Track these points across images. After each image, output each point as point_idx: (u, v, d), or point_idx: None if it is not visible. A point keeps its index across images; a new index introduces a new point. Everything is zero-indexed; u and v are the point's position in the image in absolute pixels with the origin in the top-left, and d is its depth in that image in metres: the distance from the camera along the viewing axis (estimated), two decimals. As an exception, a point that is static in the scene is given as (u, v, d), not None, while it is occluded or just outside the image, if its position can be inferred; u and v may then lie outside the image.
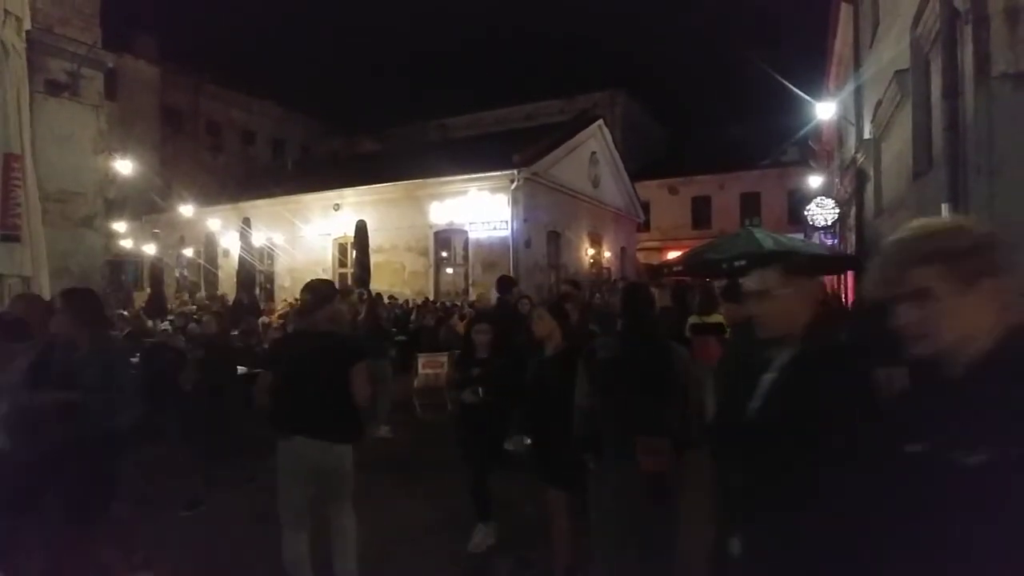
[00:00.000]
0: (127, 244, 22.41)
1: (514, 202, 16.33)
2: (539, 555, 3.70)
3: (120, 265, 21.75)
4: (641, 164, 27.98)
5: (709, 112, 52.09)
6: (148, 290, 18.37)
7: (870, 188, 11.27)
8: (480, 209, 16.74)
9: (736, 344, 3.17)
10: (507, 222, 16.42)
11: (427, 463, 6.01)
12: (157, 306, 14.43)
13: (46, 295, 4.86)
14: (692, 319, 6.69)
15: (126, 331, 8.14)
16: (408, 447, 6.76)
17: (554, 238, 18.62)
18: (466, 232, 17.22)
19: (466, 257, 17.46)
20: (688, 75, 73.65)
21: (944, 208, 5.64)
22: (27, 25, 5.22)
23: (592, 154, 20.85)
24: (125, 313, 12.66)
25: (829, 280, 15.92)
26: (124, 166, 15.08)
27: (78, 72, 9.82)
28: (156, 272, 19.75)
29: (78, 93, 9.89)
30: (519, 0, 77.59)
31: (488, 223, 16.72)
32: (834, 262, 12.20)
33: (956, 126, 5.64)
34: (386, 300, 13.02)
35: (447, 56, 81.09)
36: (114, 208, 17.61)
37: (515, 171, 15.92)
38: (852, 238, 14.28)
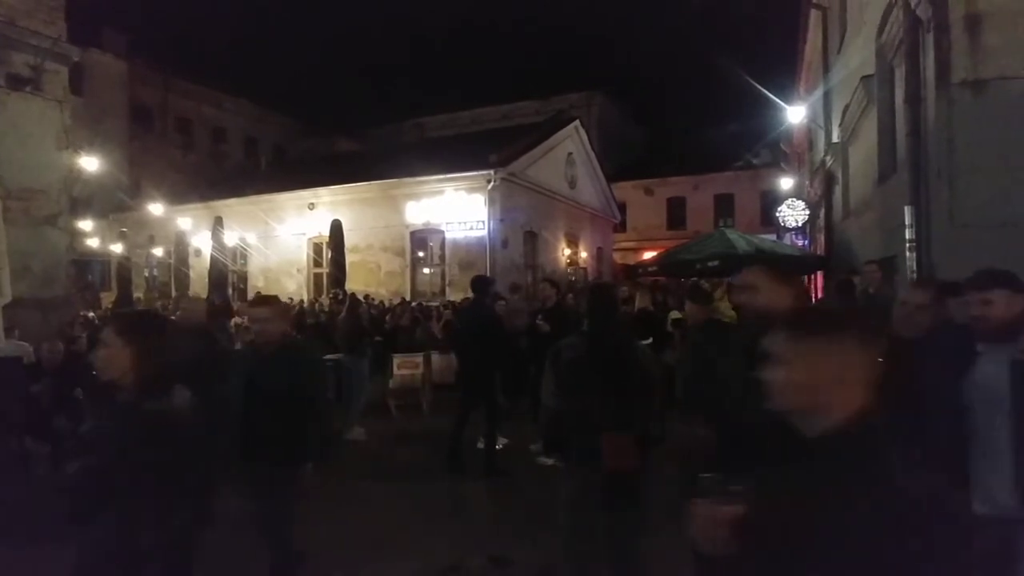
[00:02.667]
0: (93, 243, 21.83)
1: (491, 202, 16.33)
2: (514, 554, 3.72)
3: (86, 265, 21.19)
4: (617, 165, 28.21)
5: (684, 114, 52.85)
6: (115, 290, 17.93)
7: (838, 190, 11.54)
8: (457, 209, 16.70)
9: (697, 343, 3.23)
10: (484, 222, 16.41)
11: (402, 464, 5.98)
12: (125, 307, 14.10)
13: (7, 296, 4.73)
14: (673, 314, 6.90)
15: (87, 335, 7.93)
16: (383, 448, 6.72)
17: (531, 238, 18.66)
18: (443, 232, 17.17)
19: (443, 257, 17.40)
20: (664, 78, 74.46)
21: (907, 211, 5.81)
22: (-13, 17, 5.07)
23: (569, 155, 20.95)
24: (92, 315, 12.35)
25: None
26: (90, 163, 14.68)
27: (42, 66, 9.53)
28: (124, 272, 19.30)
29: (41, 88, 9.60)
30: (495, 1, 77.62)
31: (465, 223, 16.70)
32: (804, 262, 12.47)
33: (918, 131, 5.82)
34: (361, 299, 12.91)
35: (423, 55, 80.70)
36: (79, 206, 17.15)
37: (492, 171, 15.92)
38: (822, 239, 14.60)
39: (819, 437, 1.13)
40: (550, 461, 5.39)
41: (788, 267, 11.43)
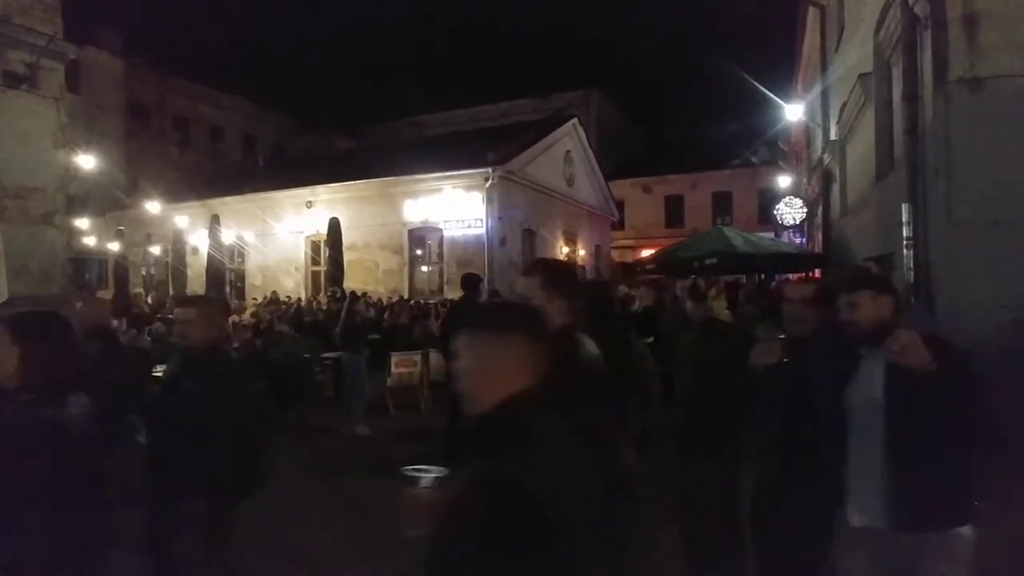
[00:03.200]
0: (90, 242, 21.79)
1: (489, 200, 16.32)
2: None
3: (83, 263, 21.15)
4: (615, 163, 28.22)
5: (682, 112, 52.85)
6: (113, 289, 17.89)
7: (836, 188, 11.56)
8: (455, 207, 16.69)
9: (696, 342, 3.22)
10: (482, 220, 16.40)
11: (401, 462, 5.97)
12: (122, 305, 14.06)
13: (3, 294, 4.72)
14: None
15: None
16: (382, 446, 6.72)
17: (529, 236, 18.66)
18: (441, 230, 17.16)
19: (441, 255, 17.39)
20: (662, 76, 74.49)
21: (904, 208, 5.82)
22: (-18, 15, 5.05)
23: (567, 153, 20.94)
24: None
25: (798, 277, 16.27)
26: (87, 161, 14.62)
27: (37, 64, 9.49)
28: (121, 270, 19.26)
29: (37, 85, 9.56)
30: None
31: (463, 221, 16.68)
32: (802, 260, 12.49)
33: (915, 129, 5.82)
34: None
35: (421, 54, 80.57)
36: (76, 205, 17.12)
37: (490, 169, 15.91)
38: (820, 237, 14.63)
39: (478, 418, 1.27)
40: None
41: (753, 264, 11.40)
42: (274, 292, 16.76)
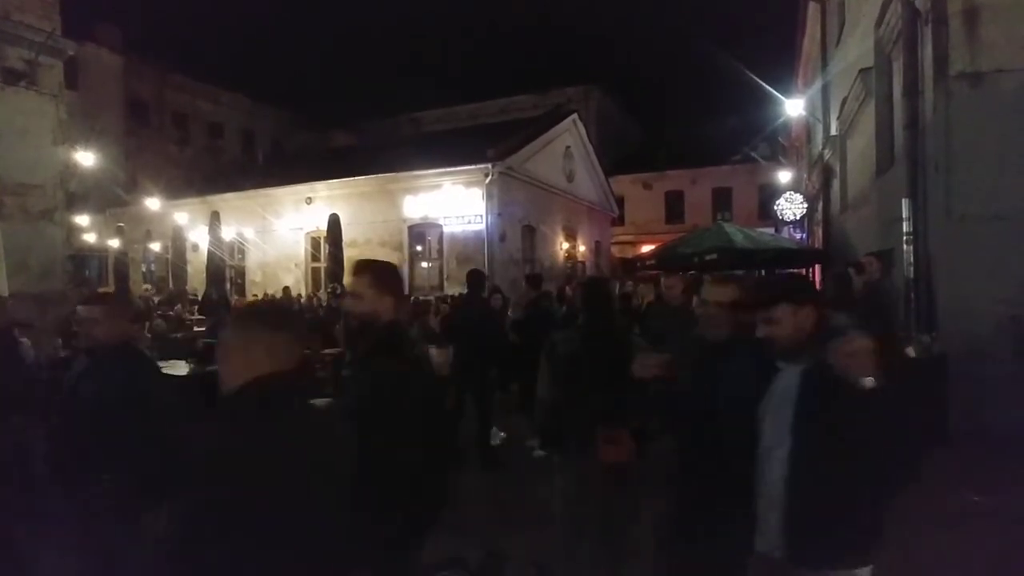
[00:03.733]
0: (90, 238, 21.79)
1: (488, 196, 16.30)
2: (512, 547, 3.73)
3: (83, 260, 21.15)
4: (615, 159, 28.18)
5: (682, 108, 52.75)
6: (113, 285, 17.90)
7: (836, 184, 11.55)
8: (454, 203, 16.67)
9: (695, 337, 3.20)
10: (482, 216, 16.38)
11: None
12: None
13: (3, 291, 4.72)
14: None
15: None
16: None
17: (529, 232, 18.64)
18: (440, 226, 17.14)
19: (441, 251, 17.38)
20: (662, 72, 74.30)
21: (904, 204, 5.82)
22: (-19, 11, 5.03)
23: (567, 149, 20.90)
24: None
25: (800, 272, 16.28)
26: (86, 158, 14.63)
27: (36, 60, 9.47)
28: (121, 267, 19.26)
29: (36, 82, 9.54)
30: (493, -7, 77.19)
31: (463, 217, 16.67)
32: (802, 256, 12.48)
33: (916, 124, 5.82)
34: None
35: (420, 50, 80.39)
36: (76, 201, 17.11)
37: (489, 165, 15.88)
38: (820, 232, 14.62)
39: (223, 396, 1.49)
40: (544, 454, 5.44)
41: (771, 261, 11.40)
42: (286, 288, 16.59)
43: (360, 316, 2.19)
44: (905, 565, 3.42)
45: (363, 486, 1.59)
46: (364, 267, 2.30)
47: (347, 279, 2.39)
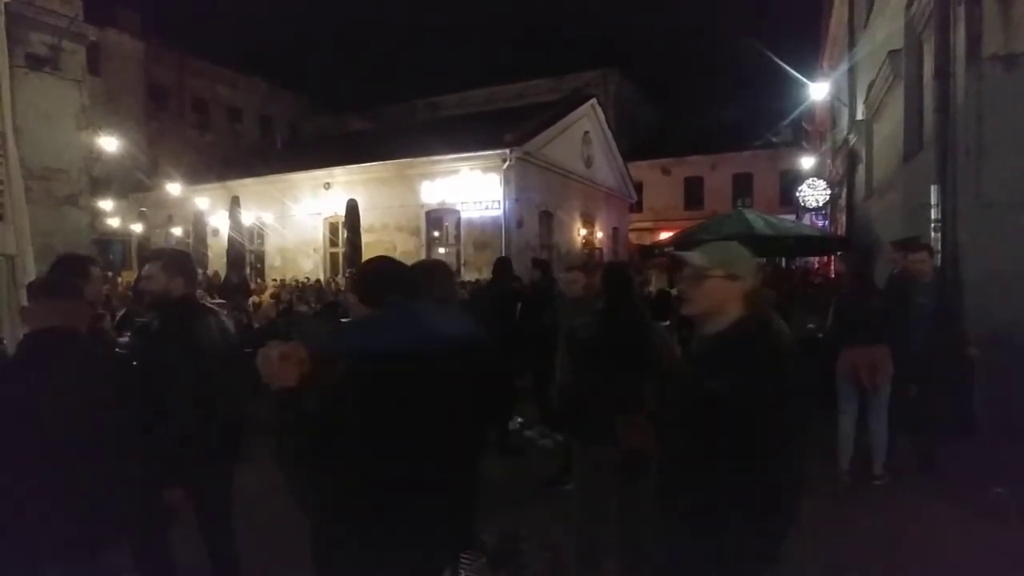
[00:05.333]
0: (114, 223, 22.13)
1: (506, 182, 16.24)
2: (527, 530, 3.76)
3: (107, 244, 21.51)
4: (634, 144, 27.85)
5: (702, 92, 51.86)
6: (136, 270, 18.18)
7: (861, 169, 11.30)
8: (472, 188, 16.64)
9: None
10: (499, 202, 16.34)
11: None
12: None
13: (31, 274, 4.81)
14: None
15: (122, 311, 8.05)
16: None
17: (546, 218, 18.56)
18: (458, 212, 17.14)
19: (458, 237, 17.40)
20: (681, 55, 73.10)
21: (932, 190, 5.67)
22: (5, -3, 5.08)
23: (585, 134, 20.71)
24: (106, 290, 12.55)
25: (820, 260, 16.04)
26: (109, 143, 14.83)
27: (59, 46, 9.59)
28: (143, 251, 19.56)
29: (60, 67, 9.67)
30: (512, -25, 76.33)
31: (480, 203, 16.64)
32: (824, 243, 12.27)
33: (947, 107, 5.65)
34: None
35: (437, 34, 79.86)
36: (99, 186, 17.37)
37: (507, 150, 15.80)
38: (843, 219, 14.36)
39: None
40: (549, 442, 5.46)
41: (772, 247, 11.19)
42: (306, 279, 16.80)
43: (152, 294, 2.70)
44: (928, 557, 3.39)
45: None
46: (158, 253, 2.90)
47: (146, 266, 2.82)
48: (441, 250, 17.95)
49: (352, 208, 15.81)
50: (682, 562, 1.71)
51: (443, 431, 1.60)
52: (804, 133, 21.51)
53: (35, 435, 1.90)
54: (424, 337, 1.57)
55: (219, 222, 19.52)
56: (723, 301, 1.67)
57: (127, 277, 15.28)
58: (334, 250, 18.84)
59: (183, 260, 2.81)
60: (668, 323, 6.13)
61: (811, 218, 17.76)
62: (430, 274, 2.20)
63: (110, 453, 2.07)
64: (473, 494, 1.85)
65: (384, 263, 1.88)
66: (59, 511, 1.95)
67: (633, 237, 26.25)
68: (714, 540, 1.57)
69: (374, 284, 1.75)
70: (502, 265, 6.14)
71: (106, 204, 20.73)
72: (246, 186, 19.52)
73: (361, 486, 1.49)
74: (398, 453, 1.50)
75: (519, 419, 5.99)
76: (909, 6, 6.82)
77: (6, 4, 5.20)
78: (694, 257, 1.77)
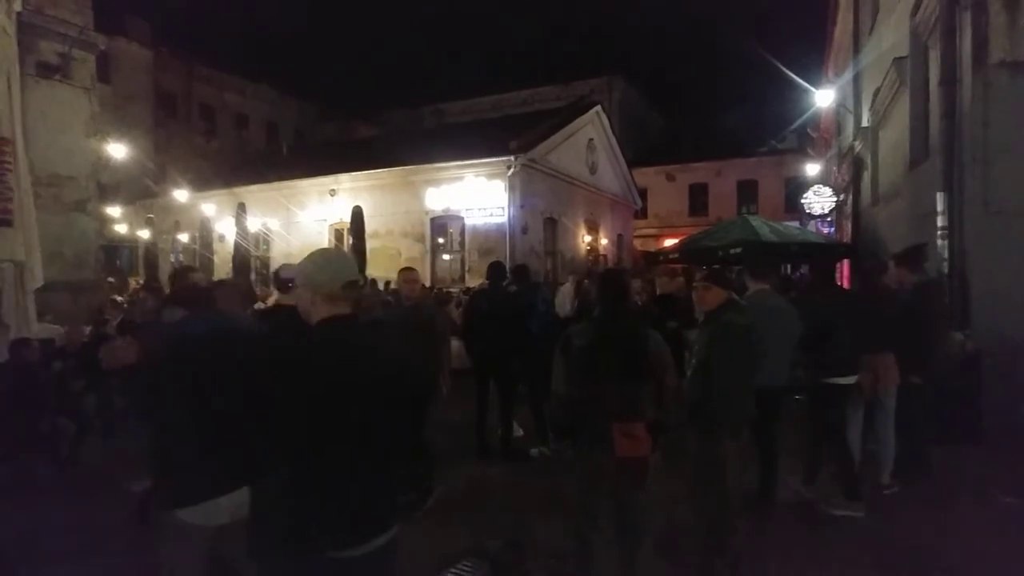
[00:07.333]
0: (121, 229, 22.30)
1: (511, 188, 16.25)
2: (531, 538, 3.75)
3: (114, 250, 21.66)
4: (638, 151, 27.87)
5: (706, 99, 51.88)
6: (143, 275, 18.30)
7: (867, 176, 11.28)
8: (477, 195, 16.66)
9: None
10: (504, 208, 16.35)
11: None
12: (249, 290, 14.33)
13: (39, 280, 4.84)
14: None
15: (119, 319, 8.11)
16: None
17: (551, 224, 18.57)
18: (462, 218, 17.16)
19: (463, 243, 17.41)
20: (686, 62, 73.19)
21: (939, 197, 5.65)
22: (17, 7, 5.15)
23: (589, 140, 20.73)
24: (119, 299, 12.63)
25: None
26: (117, 150, 14.92)
27: (70, 54, 9.69)
28: (150, 257, 19.68)
29: (70, 76, 9.77)
30: (517, -17, 76.70)
31: (485, 209, 16.66)
32: (830, 250, 12.21)
33: (953, 114, 5.64)
34: (380, 286, 13.03)
35: (443, 41, 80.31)
36: (107, 192, 17.51)
37: (512, 157, 15.82)
38: (848, 226, 14.30)
39: None
40: (546, 451, 5.43)
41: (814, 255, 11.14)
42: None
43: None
44: (936, 567, 3.35)
45: None
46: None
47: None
48: (445, 256, 17.97)
49: (357, 214, 15.86)
50: None
51: (208, 399, 2.17)
52: (809, 140, 21.47)
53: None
54: (205, 334, 2.34)
55: (225, 228, 19.61)
56: (305, 310, 1.87)
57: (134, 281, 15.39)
58: (339, 256, 18.88)
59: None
60: (676, 324, 6.08)
61: (817, 225, 17.68)
62: (217, 292, 2.88)
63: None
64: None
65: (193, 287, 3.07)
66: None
67: (638, 243, 26.22)
68: None
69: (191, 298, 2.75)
70: (496, 272, 5.95)
71: (113, 210, 20.88)
72: (252, 192, 19.62)
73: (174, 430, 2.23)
74: (191, 408, 2.18)
75: (520, 431, 5.96)
76: (914, 13, 6.82)
77: (18, 13, 5.27)
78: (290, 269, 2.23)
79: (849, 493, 4.03)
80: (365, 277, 13.85)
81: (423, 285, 7.53)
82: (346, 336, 1.82)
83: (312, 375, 1.69)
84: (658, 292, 7.76)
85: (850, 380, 4.11)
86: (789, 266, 13.79)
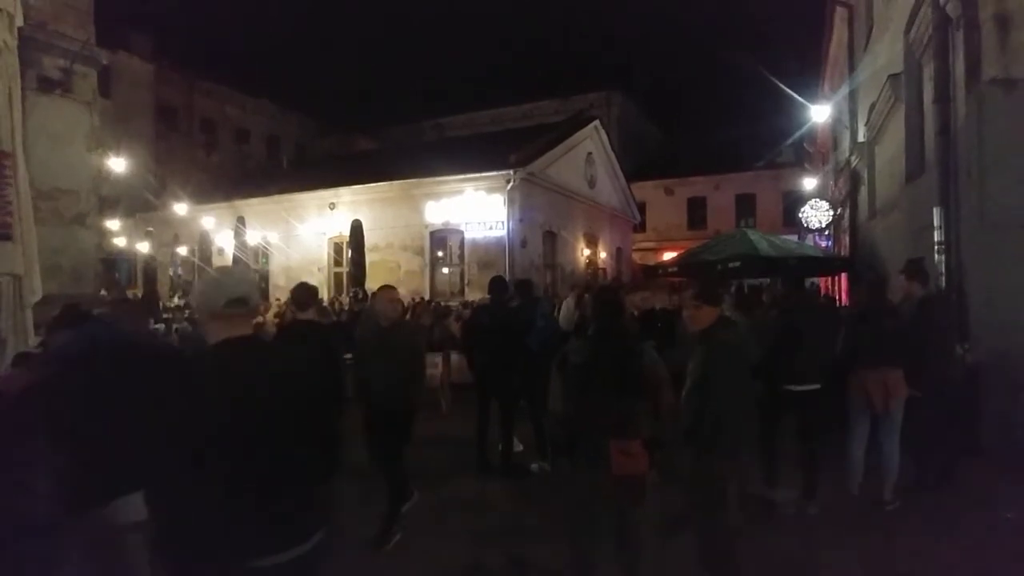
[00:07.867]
0: (121, 242, 22.30)
1: (510, 202, 16.32)
2: (532, 554, 3.72)
3: (113, 263, 21.65)
4: (637, 165, 28.03)
5: (705, 113, 52.26)
6: (141, 289, 18.29)
7: (864, 191, 11.34)
8: (476, 209, 16.72)
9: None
10: (503, 222, 16.41)
11: (421, 464, 5.99)
12: (149, 305, 14.33)
13: (38, 293, 4.83)
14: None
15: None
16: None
17: (550, 238, 18.62)
18: (462, 232, 17.21)
19: (462, 257, 17.44)
20: (684, 76, 73.85)
21: (935, 211, 5.69)
22: (19, 22, 5.18)
23: (588, 154, 20.86)
24: (118, 311, 12.59)
25: (823, 282, 16.00)
26: (118, 164, 14.99)
27: (71, 69, 9.75)
28: (149, 271, 19.67)
29: (71, 90, 9.82)
30: (516, 0, 77.59)
31: (484, 223, 16.71)
32: (827, 264, 12.25)
33: (947, 130, 5.69)
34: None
35: (443, 56, 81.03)
36: (107, 206, 17.51)
37: (511, 171, 15.91)
38: (846, 240, 14.35)
39: None
40: (546, 466, 5.40)
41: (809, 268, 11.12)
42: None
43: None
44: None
45: None
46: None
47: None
48: (444, 270, 17.99)
49: (356, 228, 15.89)
50: None
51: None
52: (806, 154, 21.61)
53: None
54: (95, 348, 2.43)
55: (224, 241, 19.64)
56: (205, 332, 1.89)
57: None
58: (338, 269, 18.90)
59: None
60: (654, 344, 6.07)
61: (814, 239, 17.74)
62: (118, 309, 3.20)
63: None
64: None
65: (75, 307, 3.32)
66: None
67: (637, 257, 26.28)
68: None
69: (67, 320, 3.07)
70: (497, 286, 5.95)
71: (113, 224, 20.90)
72: (252, 206, 19.68)
73: None
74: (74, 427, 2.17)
75: (520, 446, 5.93)
76: (908, 31, 6.91)
77: (19, 28, 5.31)
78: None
79: (808, 493, 4.28)
80: (364, 290, 13.84)
81: (403, 304, 7.51)
82: (231, 359, 1.78)
83: (195, 393, 1.70)
84: (634, 312, 7.73)
85: (807, 388, 4.30)
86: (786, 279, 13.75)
